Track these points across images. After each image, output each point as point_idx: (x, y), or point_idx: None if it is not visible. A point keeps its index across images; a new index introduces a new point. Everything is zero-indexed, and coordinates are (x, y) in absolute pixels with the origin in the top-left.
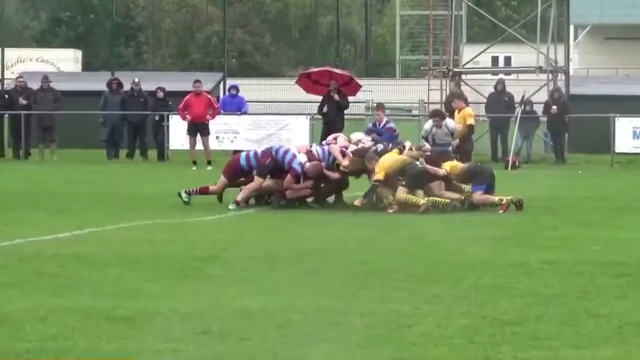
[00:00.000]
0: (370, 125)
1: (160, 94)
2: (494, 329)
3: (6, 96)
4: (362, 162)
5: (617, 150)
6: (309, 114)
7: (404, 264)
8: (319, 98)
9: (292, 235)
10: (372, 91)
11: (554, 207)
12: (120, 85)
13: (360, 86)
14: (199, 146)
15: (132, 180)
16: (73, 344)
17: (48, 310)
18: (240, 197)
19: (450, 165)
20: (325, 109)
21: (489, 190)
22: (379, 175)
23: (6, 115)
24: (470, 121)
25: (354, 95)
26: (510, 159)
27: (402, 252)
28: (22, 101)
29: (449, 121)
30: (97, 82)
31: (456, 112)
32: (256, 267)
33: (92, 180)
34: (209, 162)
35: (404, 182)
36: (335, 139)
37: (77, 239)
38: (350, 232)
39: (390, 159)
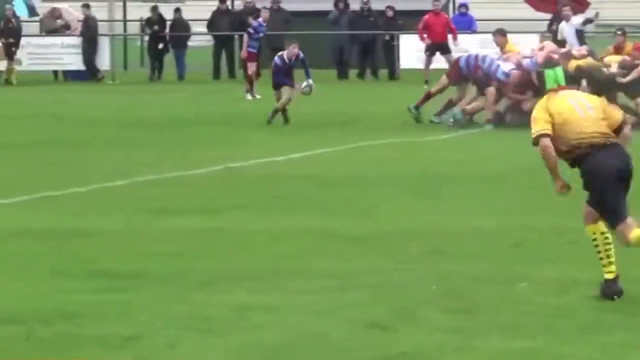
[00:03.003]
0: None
1: (390, 13)
2: None
3: (236, 18)
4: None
5: None
6: (538, 32)
7: None
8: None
9: (524, 154)
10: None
11: None
12: (347, 5)
13: (589, 3)
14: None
15: (364, 99)
16: (308, 265)
17: (283, 230)
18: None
19: None
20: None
21: None
22: None
23: (236, 36)
24: None
25: (583, 12)
26: None
27: None
28: (252, 21)
29: None
30: (325, 2)
31: None
32: (489, 186)
33: (322, 100)
34: None
35: None
36: (541, 48)
37: (310, 160)
38: None
39: None
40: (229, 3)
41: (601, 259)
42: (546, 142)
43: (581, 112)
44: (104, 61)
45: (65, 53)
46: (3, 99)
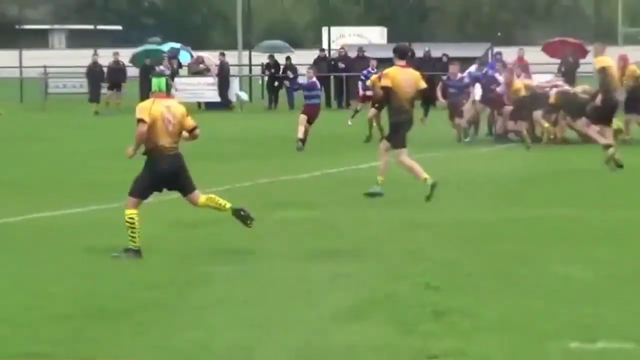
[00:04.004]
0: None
1: (445, 59)
2: None
3: (332, 63)
4: None
5: None
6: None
7: None
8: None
9: (536, 162)
10: None
11: None
12: (413, 53)
13: (588, 51)
14: None
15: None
16: (384, 244)
17: (365, 219)
18: None
19: None
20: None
21: None
22: None
23: (332, 77)
24: None
25: (584, 57)
26: None
27: None
28: (341, 65)
29: None
30: None
31: None
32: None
33: None
34: None
35: None
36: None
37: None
38: None
39: None
40: (326, 52)
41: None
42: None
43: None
44: (234, 95)
45: (205, 89)
46: None
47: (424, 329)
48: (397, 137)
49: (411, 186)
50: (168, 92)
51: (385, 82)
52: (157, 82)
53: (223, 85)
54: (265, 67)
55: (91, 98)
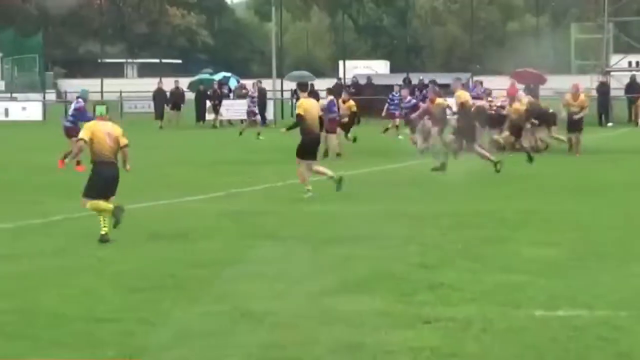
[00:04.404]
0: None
1: (435, 86)
2: None
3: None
4: None
5: None
6: None
7: None
8: None
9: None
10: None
11: None
12: (410, 80)
13: (545, 79)
14: None
15: None
16: (388, 230)
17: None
18: None
19: None
20: None
21: None
22: None
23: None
24: None
25: (543, 84)
26: None
27: None
28: (352, 90)
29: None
30: (397, 79)
31: None
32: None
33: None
34: None
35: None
36: None
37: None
38: None
39: None
40: (342, 80)
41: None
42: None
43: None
44: (269, 114)
45: (247, 109)
46: (211, 135)
47: (419, 299)
48: (305, 152)
49: (396, 185)
50: (107, 116)
51: (299, 111)
52: (99, 109)
53: (261, 106)
54: (294, 92)
55: (156, 116)
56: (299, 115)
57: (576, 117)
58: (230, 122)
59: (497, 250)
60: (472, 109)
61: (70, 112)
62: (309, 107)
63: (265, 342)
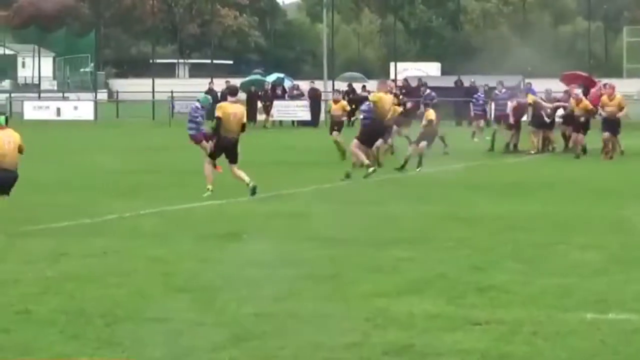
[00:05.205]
0: None
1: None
2: None
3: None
4: None
5: None
6: None
7: None
8: None
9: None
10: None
11: None
12: (462, 82)
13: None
14: None
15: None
16: (433, 233)
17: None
18: None
19: None
20: None
21: None
22: None
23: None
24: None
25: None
26: None
27: None
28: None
29: None
30: (449, 80)
31: None
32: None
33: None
34: None
35: None
36: None
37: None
38: None
39: None
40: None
41: None
42: None
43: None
44: (322, 115)
45: (298, 110)
46: (264, 136)
47: (469, 302)
48: (219, 153)
49: (449, 187)
50: (6, 124)
51: (218, 113)
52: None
53: (315, 107)
54: (345, 93)
55: (208, 117)
56: (217, 117)
57: (617, 115)
58: (281, 123)
59: (546, 253)
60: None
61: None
62: (228, 110)
63: (315, 343)
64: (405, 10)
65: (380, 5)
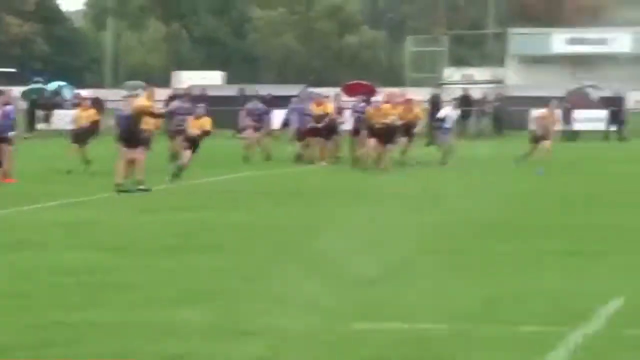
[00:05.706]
0: None
1: None
2: None
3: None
4: None
5: None
6: None
7: None
8: None
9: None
10: None
11: None
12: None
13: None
14: None
15: None
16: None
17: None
18: None
19: None
20: None
21: None
22: None
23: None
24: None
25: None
26: None
27: None
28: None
29: None
30: (232, 90)
31: None
32: None
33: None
34: None
35: None
36: None
37: None
38: None
39: None
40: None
41: None
42: None
43: None
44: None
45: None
46: (42, 145)
47: None
48: None
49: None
50: None
51: None
52: None
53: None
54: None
55: None
56: None
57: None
58: (61, 132)
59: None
60: None
61: None
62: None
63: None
64: (190, 19)
65: (165, 13)
